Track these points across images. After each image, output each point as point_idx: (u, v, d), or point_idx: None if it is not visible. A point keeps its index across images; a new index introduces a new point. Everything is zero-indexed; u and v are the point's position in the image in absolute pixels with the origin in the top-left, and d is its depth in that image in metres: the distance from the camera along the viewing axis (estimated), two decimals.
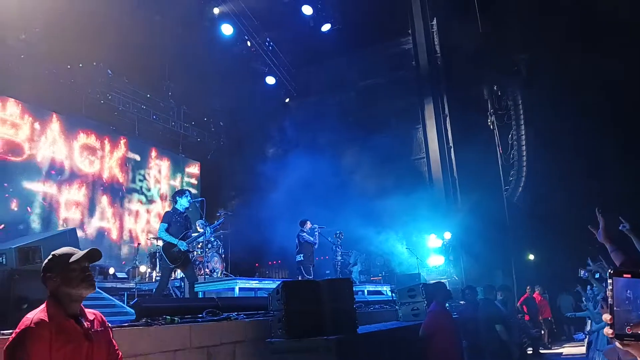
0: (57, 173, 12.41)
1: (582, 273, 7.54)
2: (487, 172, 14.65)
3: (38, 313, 2.23)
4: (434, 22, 15.64)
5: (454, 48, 15.49)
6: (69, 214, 12.47)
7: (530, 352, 10.60)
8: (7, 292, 3.84)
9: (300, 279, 9.94)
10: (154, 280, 9.93)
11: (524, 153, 13.78)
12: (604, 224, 3.88)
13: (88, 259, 2.40)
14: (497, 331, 6.75)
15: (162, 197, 15.63)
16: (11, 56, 11.51)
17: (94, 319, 2.44)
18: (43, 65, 12.09)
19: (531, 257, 17.77)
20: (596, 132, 12.99)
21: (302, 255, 10.61)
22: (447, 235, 13.35)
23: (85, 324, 2.34)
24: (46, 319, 2.19)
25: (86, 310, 2.42)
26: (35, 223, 11.68)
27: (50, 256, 2.40)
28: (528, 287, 13.39)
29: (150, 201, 15.21)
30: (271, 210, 12.70)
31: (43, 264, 2.39)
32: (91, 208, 13.15)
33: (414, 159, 15.91)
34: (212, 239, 10.76)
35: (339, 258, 12.08)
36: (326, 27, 14.94)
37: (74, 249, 2.50)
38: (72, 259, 2.36)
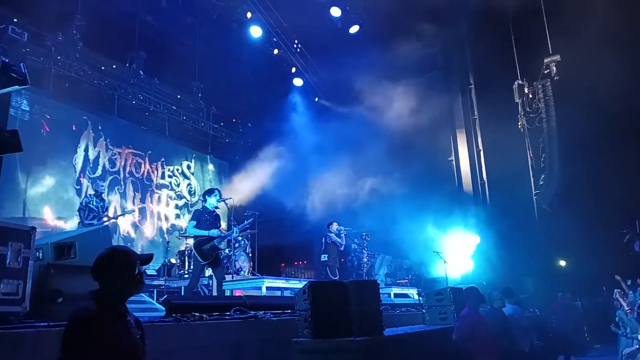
0: (90, 171, 12.74)
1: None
2: (517, 176, 14.38)
3: (89, 308, 2.25)
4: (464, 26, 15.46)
5: (483, 49, 15.25)
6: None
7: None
8: (43, 286, 3.94)
9: (324, 279, 9.95)
10: (183, 278, 10.08)
11: (556, 157, 13.45)
12: None
13: (144, 262, 2.46)
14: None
15: (191, 196, 15.87)
16: (48, 57, 11.86)
17: (135, 319, 2.49)
18: (78, 66, 12.42)
19: (562, 263, 17.34)
20: (631, 135, 12.55)
21: (326, 255, 10.63)
22: (476, 239, 13.14)
23: (130, 320, 2.40)
24: (98, 314, 2.22)
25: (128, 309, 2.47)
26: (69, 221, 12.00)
27: (108, 252, 2.40)
28: (560, 294, 13.09)
29: (179, 199, 15.48)
30: (298, 211, 12.74)
31: (98, 258, 2.38)
32: (122, 205, 13.47)
33: (443, 161, 15.72)
34: (240, 238, 10.85)
35: (365, 260, 12.04)
36: (354, 29, 14.89)
37: (131, 249, 2.55)
38: (131, 259, 2.40)
